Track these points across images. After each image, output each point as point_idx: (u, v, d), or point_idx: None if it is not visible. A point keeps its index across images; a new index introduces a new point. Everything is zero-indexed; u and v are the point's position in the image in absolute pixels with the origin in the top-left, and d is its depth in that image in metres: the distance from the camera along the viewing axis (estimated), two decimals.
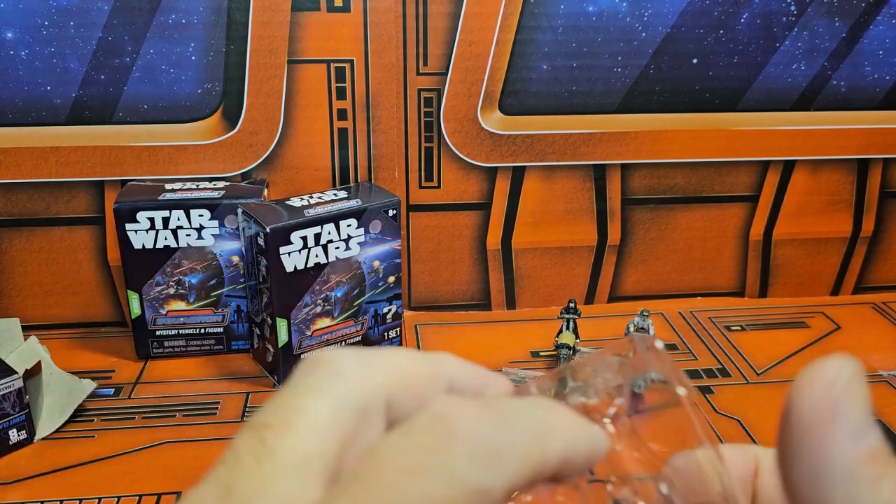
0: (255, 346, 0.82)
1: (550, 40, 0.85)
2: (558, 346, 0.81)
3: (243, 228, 0.77)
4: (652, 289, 0.98)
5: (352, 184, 0.87)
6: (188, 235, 0.79)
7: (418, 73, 0.85)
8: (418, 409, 0.19)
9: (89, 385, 0.74)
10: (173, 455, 0.69)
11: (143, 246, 0.78)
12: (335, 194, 0.81)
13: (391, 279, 0.83)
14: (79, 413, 0.73)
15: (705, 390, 0.80)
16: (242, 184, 0.84)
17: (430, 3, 0.82)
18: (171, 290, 0.81)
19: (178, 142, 0.84)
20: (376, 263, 0.81)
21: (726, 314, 0.96)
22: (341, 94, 0.84)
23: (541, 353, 0.86)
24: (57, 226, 0.85)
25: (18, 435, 0.69)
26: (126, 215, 0.77)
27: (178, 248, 0.79)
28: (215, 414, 0.75)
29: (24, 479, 0.66)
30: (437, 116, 0.87)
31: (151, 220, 0.77)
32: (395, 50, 0.83)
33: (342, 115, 0.85)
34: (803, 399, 0.20)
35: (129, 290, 0.80)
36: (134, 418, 0.74)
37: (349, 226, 0.77)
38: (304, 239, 0.75)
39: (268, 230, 0.72)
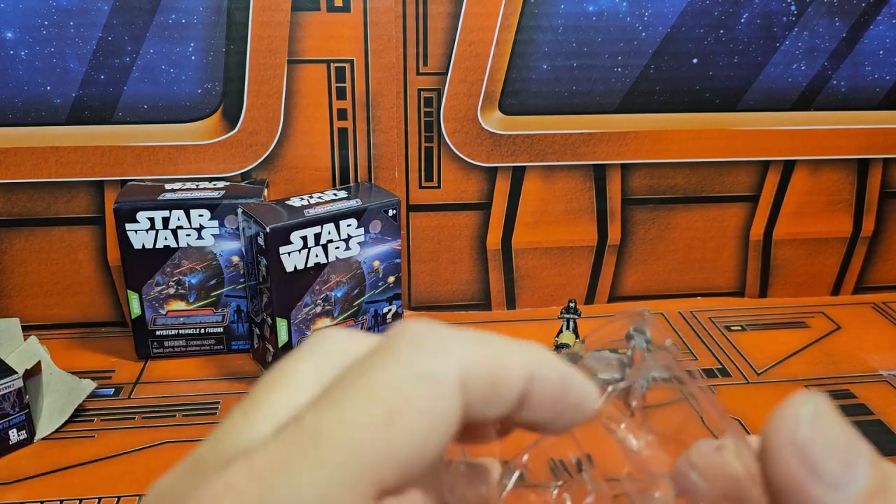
0: (255, 346, 0.82)
1: (550, 40, 0.85)
2: (558, 346, 0.81)
3: (243, 228, 0.77)
4: (652, 289, 0.98)
5: (352, 184, 0.87)
6: (188, 235, 0.79)
7: (418, 73, 0.85)
8: None
9: (89, 385, 0.74)
10: (173, 455, 0.69)
11: (143, 246, 0.78)
12: (335, 194, 0.81)
13: (391, 279, 0.83)
14: (79, 413, 0.73)
15: None
16: (242, 184, 0.84)
17: (430, 3, 0.82)
18: (171, 290, 0.81)
19: (178, 142, 0.84)
20: (376, 263, 0.81)
21: (726, 314, 0.96)
22: (341, 94, 0.84)
23: None
24: (57, 226, 0.85)
25: (18, 435, 0.69)
26: (126, 215, 0.77)
27: (178, 248, 0.79)
28: (215, 414, 0.75)
29: (24, 479, 0.66)
30: (437, 116, 0.87)
31: (151, 220, 0.77)
32: (395, 50, 0.83)
33: (342, 115, 0.85)
34: (775, 467, 0.19)
35: (129, 290, 0.80)
36: (134, 418, 0.74)
37: (349, 226, 0.77)
38: (304, 239, 0.75)
39: (268, 230, 0.72)
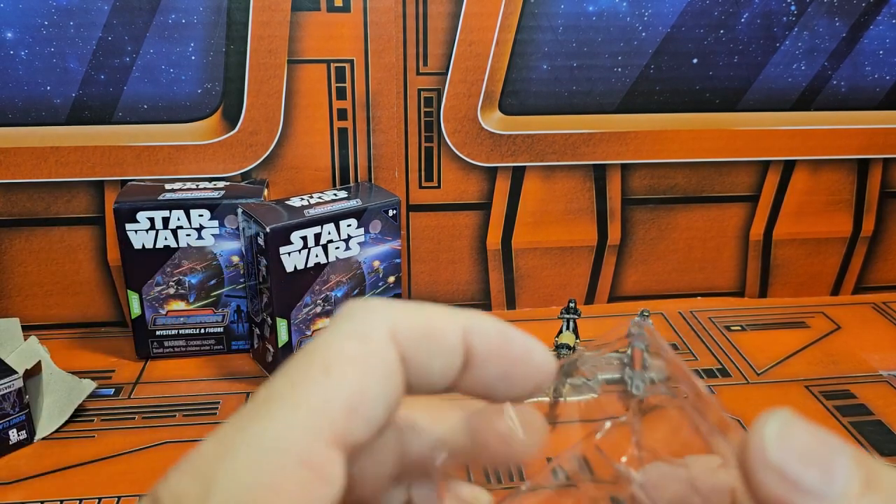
0: (255, 346, 0.82)
1: (550, 40, 0.85)
2: (558, 346, 0.81)
3: (243, 228, 0.77)
4: (652, 289, 0.98)
5: (352, 184, 0.87)
6: (188, 235, 0.79)
7: (418, 73, 0.85)
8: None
9: (89, 385, 0.74)
10: (173, 455, 0.69)
11: (143, 246, 0.78)
12: (335, 194, 0.81)
13: (391, 279, 0.83)
14: (79, 413, 0.73)
15: None
16: (242, 184, 0.84)
17: (430, 3, 0.82)
18: (171, 290, 0.81)
19: (178, 142, 0.84)
20: (376, 263, 0.81)
21: (726, 314, 0.96)
22: (341, 94, 0.84)
23: None
24: (57, 226, 0.85)
25: (18, 435, 0.69)
26: (126, 215, 0.77)
27: (178, 248, 0.79)
28: (215, 414, 0.75)
29: (24, 479, 0.66)
30: (437, 116, 0.87)
31: (151, 220, 0.77)
32: (395, 50, 0.83)
33: (342, 115, 0.85)
34: (758, 491, 0.19)
35: (129, 290, 0.80)
36: (134, 418, 0.74)
37: (349, 226, 0.77)
38: (304, 239, 0.75)
39: (268, 230, 0.72)
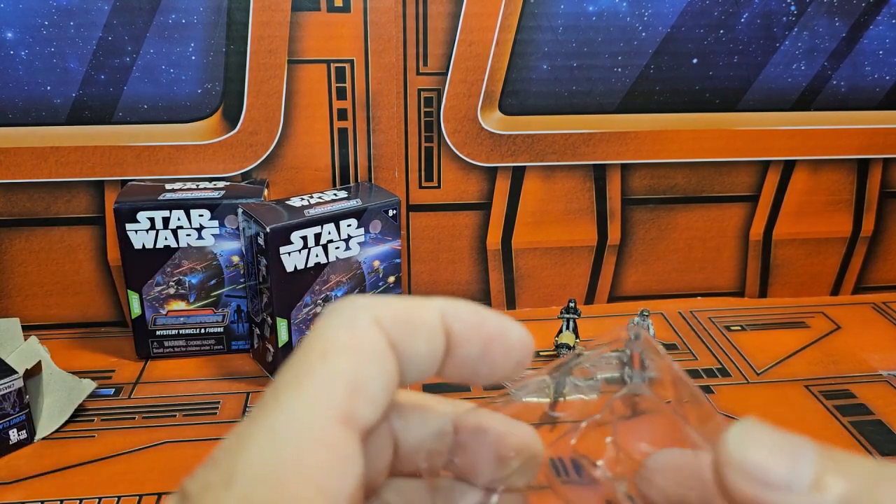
0: (255, 346, 0.82)
1: (550, 40, 0.85)
2: (558, 346, 0.81)
3: (243, 228, 0.77)
4: (652, 289, 0.99)
5: (352, 184, 0.87)
6: (188, 235, 0.79)
7: (418, 73, 0.85)
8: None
9: (89, 385, 0.74)
10: (173, 455, 0.69)
11: (143, 246, 0.78)
12: (335, 194, 0.81)
13: (391, 279, 0.83)
14: (79, 413, 0.73)
15: (705, 390, 0.80)
16: (242, 184, 0.84)
17: (430, 3, 0.82)
18: (171, 290, 0.81)
19: (178, 142, 0.84)
20: (376, 263, 0.81)
21: (726, 314, 0.96)
22: (341, 94, 0.84)
23: (541, 353, 0.86)
24: (57, 226, 0.85)
25: (18, 435, 0.69)
26: (126, 215, 0.77)
27: (179, 248, 0.79)
28: (215, 414, 0.75)
29: (24, 479, 0.66)
30: (437, 116, 0.87)
31: (151, 220, 0.77)
32: (395, 50, 0.83)
33: (342, 115, 0.85)
34: (731, 493, 0.20)
35: (129, 290, 0.80)
36: (134, 418, 0.74)
37: (349, 226, 0.77)
38: (304, 239, 0.75)
39: (268, 230, 0.72)
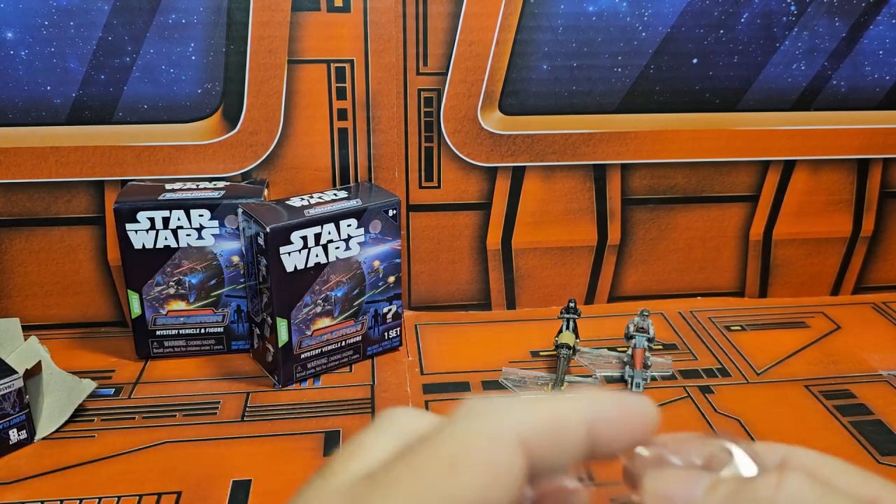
0: (255, 346, 0.82)
1: (550, 40, 0.85)
2: (558, 346, 0.81)
3: (243, 228, 0.77)
4: (652, 289, 0.99)
5: (352, 184, 0.87)
6: (188, 235, 0.79)
7: (418, 73, 0.85)
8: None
9: (89, 385, 0.74)
10: (173, 455, 0.69)
11: (144, 246, 0.78)
12: (335, 194, 0.81)
13: (391, 279, 0.83)
14: (79, 413, 0.73)
15: (705, 390, 0.80)
16: (242, 184, 0.84)
17: (430, 3, 0.82)
18: (171, 290, 0.81)
19: (178, 142, 0.84)
20: (376, 263, 0.81)
21: (726, 314, 0.96)
22: (341, 94, 0.84)
23: (541, 353, 0.86)
24: (57, 226, 0.85)
25: (18, 435, 0.69)
26: (126, 215, 0.77)
27: (179, 248, 0.79)
28: (215, 414, 0.75)
29: (24, 479, 0.66)
30: (437, 116, 0.87)
31: (151, 220, 0.77)
32: (395, 50, 0.83)
33: (342, 115, 0.85)
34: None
35: (129, 290, 0.80)
36: (134, 418, 0.74)
37: (349, 226, 0.77)
38: (304, 239, 0.75)
39: (268, 230, 0.72)
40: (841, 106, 0.92)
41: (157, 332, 0.82)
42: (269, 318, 0.77)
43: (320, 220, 0.75)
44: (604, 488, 0.64)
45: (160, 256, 0.79)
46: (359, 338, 0.83)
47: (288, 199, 0.79)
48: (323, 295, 0.78)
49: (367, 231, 0.79)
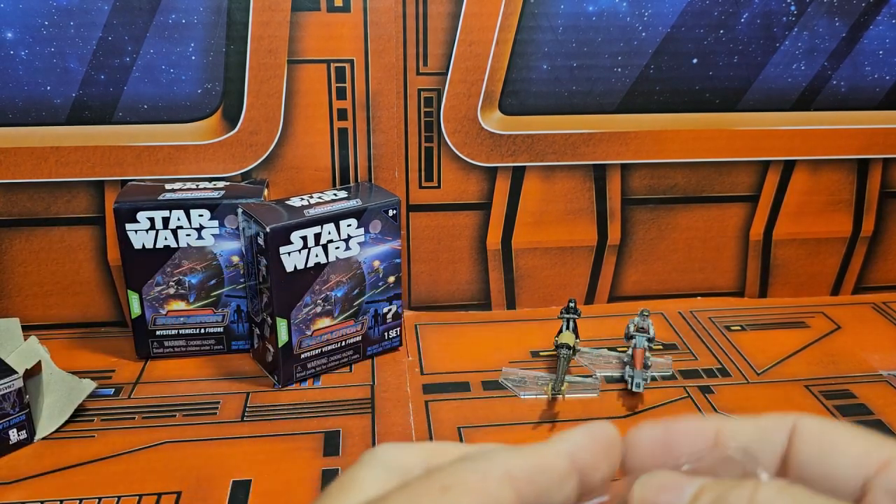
0: (255, 346, 0.82)
1: (550, 40, 0.85)
2: (558, 346, 0.81)
3: (243, 228, 0.77)
4: (652, 289, 0.98)
5: (352, 184, 0.87)
6: (188, 235, 0.79)
7: (418, 73, 0.85)
8: None
9: (89, 385, 0.74)
10: (173, 455, 0.69)
11: (143, 246, 0.78)
12: (335, 194, 0.81)
13: (391, 279, 0.83)
14: (79, 413, 0.73)
15: (705, 390, 0.80)
16: (242, 184, 0.84)
17: (430, 3, 0.82)
18: (171, 290, 0.81)
19: (178, 142, 0.84)
20: (376, 263, 0.81)
21: (726, 314, 0.96)
22: (341, 94, 0.84)
23: (541, 353, 0.86)
24: (57, 226, 0.85)
25: (18, 435, 0.69)
26: (126, 215, 0.77)
27: (178, 248, 0.79)
28: (215, 414, 0.75)
29: (24, 479, 0.66)
30: (437, 116, 0.87)
31: (151, 220, 0.77)
32: (395, 50, 0.83)
33: (342, 115, 0.85)
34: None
35: (129, 290, 0.80)
36: (134, 418, 0.74)
37: (349, 226, 0.77)
38: (304, 239, 0.75)
39: (268, 230, 0.72)
40: (841, 106, 0.92)
41: (157, 332, 0.82)
42: (269, 318, 0.77)
43: (320, 220, 0.75)
44: None
45: (160, 256, 0.79)
46: (359, 338, 0.83)
47: (288, 199, 0.79)
48: (323, 295, 0.78)
49: (367, 231, 0.79)
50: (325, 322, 0.79)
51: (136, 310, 0.81)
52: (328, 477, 0.66)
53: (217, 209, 0.78)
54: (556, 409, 0.76)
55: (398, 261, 0.82)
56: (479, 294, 0.96)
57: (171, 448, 0.70)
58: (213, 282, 0.81)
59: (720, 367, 0.84)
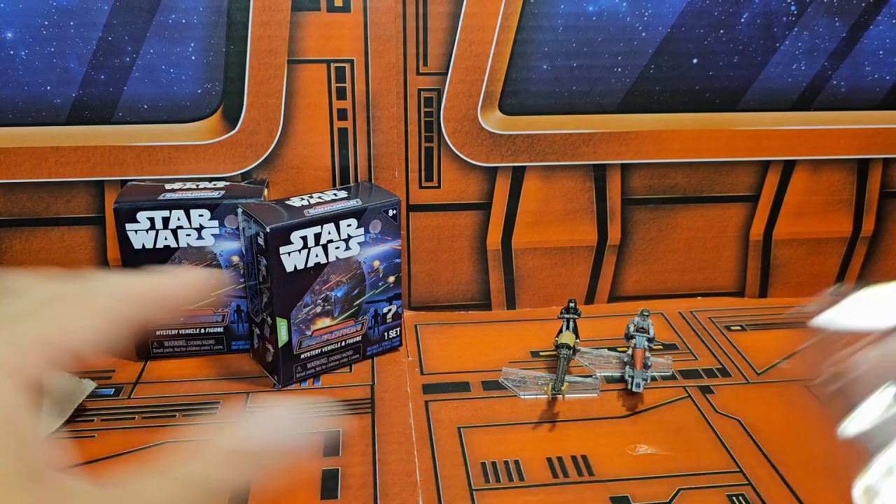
0: (255, 346, 0.82)
1: (550, 40, 0.85)
2: (558, 346, 0.81)
3: (243, 228, 0.77)
4: (652, 289, 0.99)
5: (352, 184, 0.87)
6: (188, 235, 0.79)
7: (418, 73, 0.85)
8: None
9: (89, 385, 0.74)
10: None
11: (144, 246, 0.78)
12: (335, 194, 0.81)
13: (391, 279, 0.83)
14: (79, 413, 0.73)
15: (705, 390, 0.80)
16: (242, 184, 0.84)
17: (430, 3, 0.82)
18: None
19: (178, 142, 0.84)
20: (376, 263, 0.81)
21: (726, 314, 0.96)
22: (341, 94, 0.84)
23: (541, 353, 0.86)
24: (57, 226, 0.85)
25: None
26: (126, 215, 0.77)
27: (178, 248, 0.79)
28: (215, 414, 0.75)
29: None
30: (437, 116, 0.87)
31: (151, 220, 0.77)
32: (395, 50, 0.83)
33: (342, 115, 0.85)
34: None
35: None
36: (134, 418, 0.74)
37: (349, 226, 0.77)
38: (304, 239, 0.75)
39: (268, 230, 0.72)
40: (841, 106, 0.92)
41: (157, 332, 0.82)
42: (269, 318, 0.77)
43: (320, 220, 0.75)
44: (603, 486, 0.64)
45: (160, 256, 0.79)
46: (359, 338, 0.83)
47: (288, 199, 0.79)
48: (323, 295, 0.78)
49: (367, 231, 0.79)
50: (325, 322, 0.79)
51: None
52: (328, 477, 0.66)
53: (217, 209, 0.78)
54: (556, 409, 0.76)
55: (398, 261, 0.82)
56: (479, 294, 0.96)
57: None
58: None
59: (720, 367, 0.84)
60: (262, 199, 0.79)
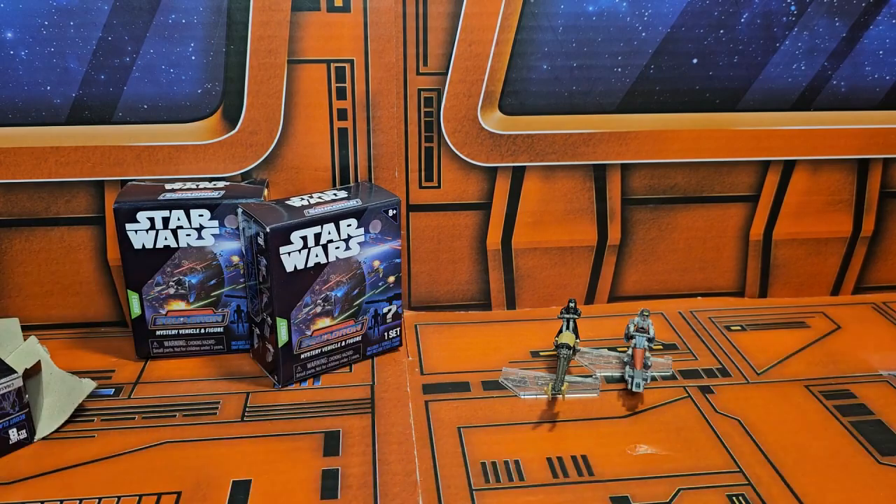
0: (255, 346, 0.82)
1: (550, 40, 0.85)
2: (558, 346, 0.81)
3: (243, 228, 0.77)
4: (652, 289, 0.98)
5: (352, 184, 0.87)
6: (188, 235, 0.79)
7: (418, 73, 0.85)
8: None
9: (89, 385, 0.74)
10: (173, 455, 0.69)
11: (143, 246, 0.78)
12: (335, 194, 0.81)
13: (391, 279, 0.83)
14: (79, 413, 0.73)
15: (705, 390, 0.80)
16: (242, 184, 0.84)
17: (430, 3, 0.82)
18: (171, 290, 0.81)
19: (178, 142, 0.84)
20: (376, 263, 0.81)
21: (726, 314, 0.96)
22: (341, 94, 0.84)
23: (541, 353, 0.86)
24: (57, 226, 0.85)
25: (18, 434, 0.69)
26: (126, 215, 0.77)
27: (178, 248, 0.79)
28: (215, 414, 0.75)
29: (24, 479, 0.66)
30: (437, 116, 0.87)
31: (151, 220, 0.77)
32: (395, 50, 0.83)
33: (342, 115, 0.85)
34: None
35: (129, 290, 0.80)
36: (134, 418, 0.74)
37: (349, 226, 0.77)
38: (304, 239, 0.75)
39: (268, 230, 0.72)
40: (841, 106, 0.92)
41: (157, 332, 0.82)
42: (269, 318, 0.77)
43: (320, 220, 0.75)
44: (603, 486, 0.64)
45: (160, 256, 0.79)
46: (359, 338, 0.83)
47: (288, 199, 0.79)
48: (323, 295, 0.78)
49: (367, 231, 0.79)
50: (325, 322, 0.79)
51: (136, 310, 0.81)
52: (328, 477, 0.66)
53: (217, 209, 0.78)
54: (556, 409, 0.76)
55: (398, 261, 0.82)
56: (479, 294, 0.96)
57: (171, 448, 0.70)
58: (213, 282, 0.81)
59: (720, 367, 0.84)
60: (262, 199, 0.79)
